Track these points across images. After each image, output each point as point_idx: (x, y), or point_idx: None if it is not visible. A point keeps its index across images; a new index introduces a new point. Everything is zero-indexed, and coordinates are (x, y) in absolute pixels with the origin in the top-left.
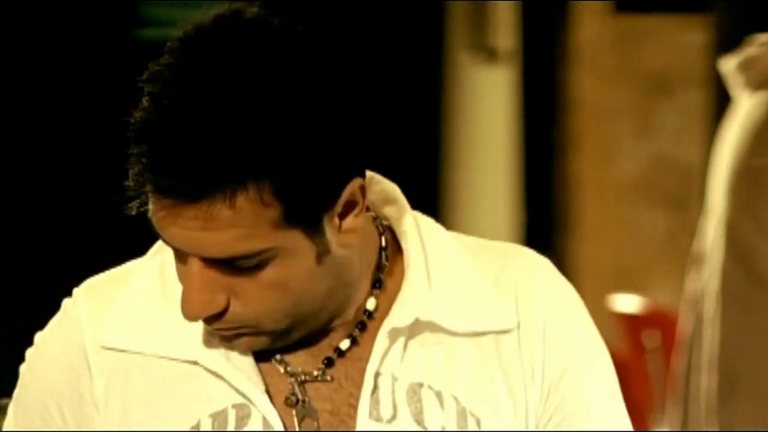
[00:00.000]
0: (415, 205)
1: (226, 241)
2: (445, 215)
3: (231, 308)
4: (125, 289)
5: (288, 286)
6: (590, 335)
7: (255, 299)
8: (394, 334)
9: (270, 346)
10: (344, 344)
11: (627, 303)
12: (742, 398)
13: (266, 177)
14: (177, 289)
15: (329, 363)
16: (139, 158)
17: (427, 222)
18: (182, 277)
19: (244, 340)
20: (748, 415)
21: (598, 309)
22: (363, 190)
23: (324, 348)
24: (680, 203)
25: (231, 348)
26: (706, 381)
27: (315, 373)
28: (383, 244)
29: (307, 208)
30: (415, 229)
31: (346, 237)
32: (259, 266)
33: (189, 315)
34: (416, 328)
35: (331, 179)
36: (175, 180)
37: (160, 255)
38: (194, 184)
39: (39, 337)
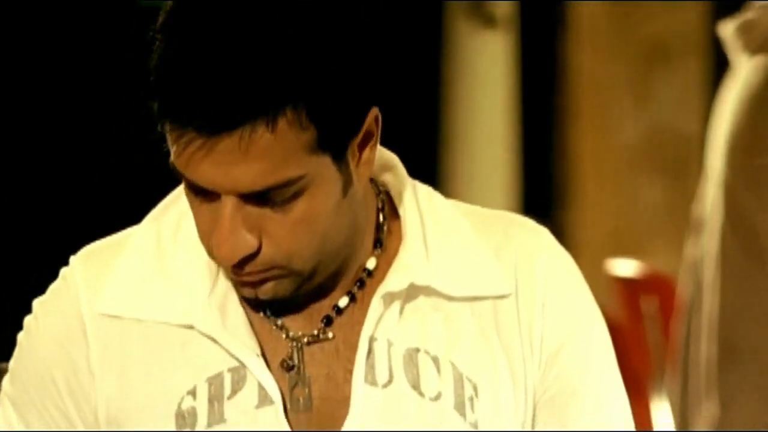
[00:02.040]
0: (414, 172)
1: (266, 169)
2: (444, 183)
3: (263, 249)
4: (121, 256)
5: (317, 220)
6: (590, 308)
7: (286, 236)
8: (389, 299)
9: (292, 292)
10: (342, 301)
11: (625, 268)
12: (742, 366)
13: (302, 100)
14: (173, 255)
15: (328, 322)
16: (169, 99)
17: (424, 189)
18: (205, 223)
19: (269, 285)
20: (749, 384)
21: (596, 275)
22: (378, 121)
23: (323, 310)
24: (679, 172)
25: (225, 314)
26: (705, 349)
27: (315, 332)
28: (380, 205)
29: (337, 132)
30: (413, 195)
31: (363, 169)
32: (294, 197)
33: (225, 258)
34: (412, 293)
35: (358, 104)
36: (215, 109)
37: (157, 222)
38: (236, 111)
39: (37, 305)
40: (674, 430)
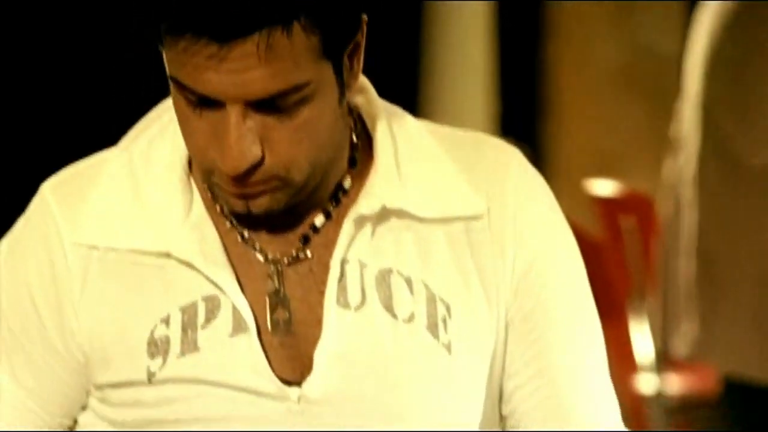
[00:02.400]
0: (394, 90)
1: (278, 73)
2: (423, 105)
3: (266, 159)
4: (94, 186)
5: (318, 129)
6: (561, 227)
7: (288, 145)
8: (361, 221)
9: (284, 206)
10: (319, 220)
11: (604, 187)
12: (722, 285)
13: (311, 4)
14: (146, 183)
15: (305, 241)
16: (180, 7)
17: (396, 111)
18: (202, 138)
19: (265, 199)
20: (728, 303)
21: (575, 195)
22: (363, 33)
23: (299, 231)
24: (659, 93)
25: (202, 240)
26: (684, 268)
27: (294, 252)
28: (352, 125)
29: (338, 38)
30: (384, 117)
31: (352, 81)
32: (299, 104)
33: (231, 168)
34: (384, 215)
35: (355, 9)
36: (233, 14)
37: (128, 151)
38: (256, 15)
39: (9, 242)
40: (654, 349)
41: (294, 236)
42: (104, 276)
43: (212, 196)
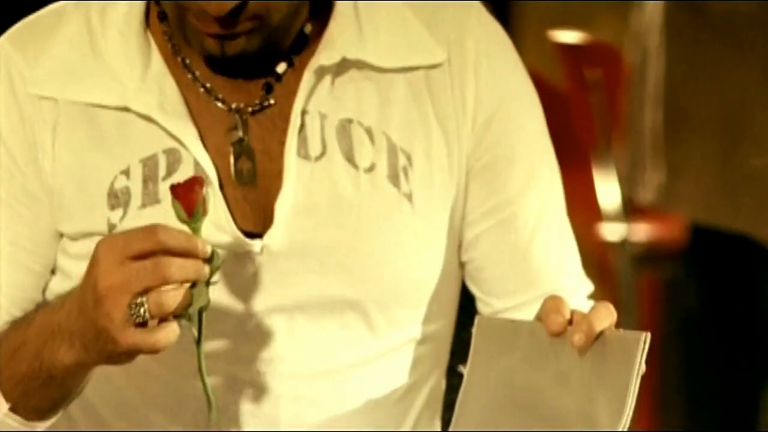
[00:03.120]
0: None
1: None
2: None
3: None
4: (53, 38)
5: None
6: (521, 77)
7: None
8: (321, 72)
9: (257, 47)
10: (281, 68)
11: (569, 36)
12: (688, 134)
13: None
14: (104, 38)
15: (268, 89)
16: None
17: None
18: None
19: (240, 41)
20: (695, 151)
21: (541, 45)
22: None
23: (262, 81)
24: None
25: (162, 94)
26: (651, 114)
27: (257, 101)
28: None
29: None
30: None
31: None
32: None
33: (219, 7)
34: (344, 66)
35: None
36: None
37: (85, 4)
38: None
39: None
40: (620, 197)
41: (257, 86)
42: (68, 127)
43: (173, 48)
